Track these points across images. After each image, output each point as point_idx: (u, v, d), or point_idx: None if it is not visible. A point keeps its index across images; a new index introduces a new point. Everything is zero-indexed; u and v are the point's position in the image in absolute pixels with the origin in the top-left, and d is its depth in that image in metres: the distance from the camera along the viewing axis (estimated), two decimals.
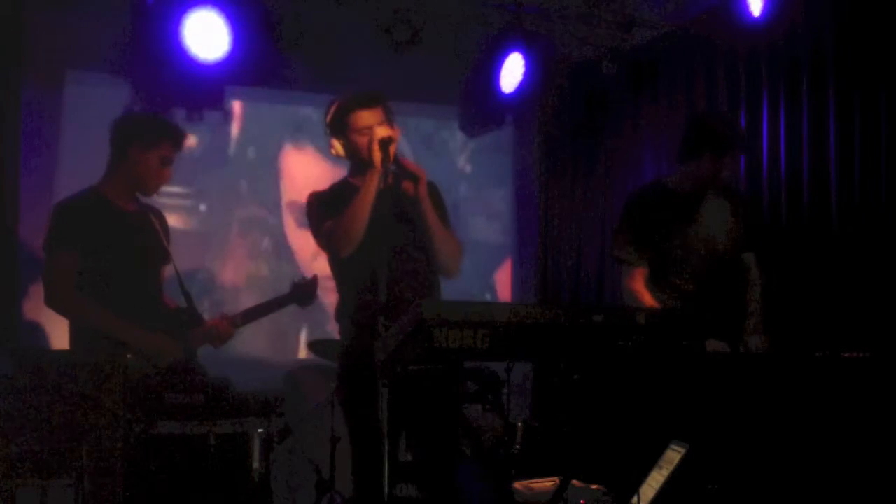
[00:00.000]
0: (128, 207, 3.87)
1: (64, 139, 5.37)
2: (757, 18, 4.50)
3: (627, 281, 3.99)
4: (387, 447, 2.77)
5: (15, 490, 3.40)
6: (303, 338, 4.97)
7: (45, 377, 3.51)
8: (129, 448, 3.33)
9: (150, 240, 3.89)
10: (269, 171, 5.86)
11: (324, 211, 3.42)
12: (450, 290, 3.51)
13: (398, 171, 3.36)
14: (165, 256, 3.95)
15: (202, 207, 5.67)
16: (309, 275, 4.27)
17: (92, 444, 3.36)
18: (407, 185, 3.35)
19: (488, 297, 6.29)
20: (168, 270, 3.98)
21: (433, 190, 3.47)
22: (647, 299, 3.88)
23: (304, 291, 4.23)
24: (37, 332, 5.01)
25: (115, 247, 3.75)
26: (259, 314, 4.07)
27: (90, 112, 5.20)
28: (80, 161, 5.11)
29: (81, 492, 3.35)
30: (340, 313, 3.49)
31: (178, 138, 3.92)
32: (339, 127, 3.44)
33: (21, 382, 3.50)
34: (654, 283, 3.94)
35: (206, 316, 3.96)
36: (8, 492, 3.39)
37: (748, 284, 4.02)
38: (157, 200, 4.05)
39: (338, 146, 3.46)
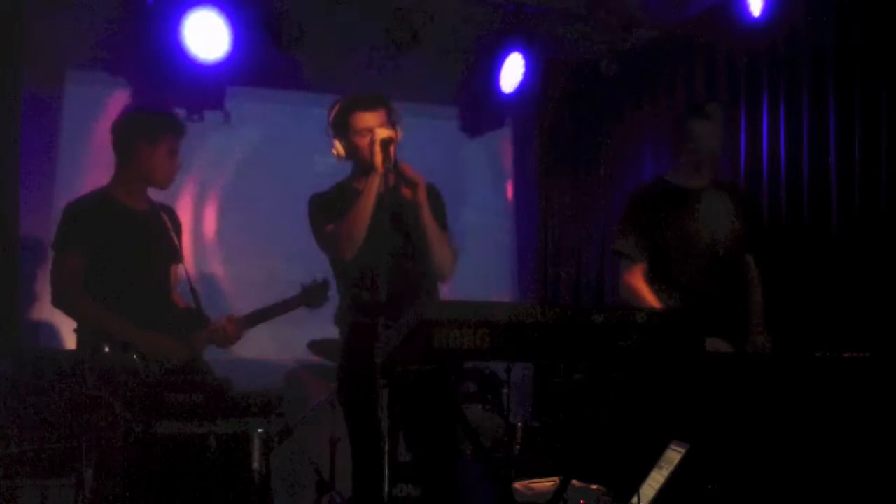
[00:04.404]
0: (138, 207, 3.87)
1: (64, 139, 5.37)
2: (757, 18, 4.50)
3: (626, 276, 4.00)
4: (387, 447, 2.77)
5: (15, 490, 3.41)
6: (303, 338, 4.96)
7: (45, 377, 3.51)
8: (129, 448, 3.33)
9: (160, 239, 3.89)
10: (270, 172, 5.85)
11: (325, 213, 3.41)
12: (450, 290, 3.51)
13: (397, 176, 3.35)
14: (176, 255, 3.94)
15: (201, 209, 5.67)
16: (311, 276, 4.26)
17: (92, 444, 3.37)
18: (406, 191, 3.35)
19: (488, 297, 6.29)
20: (179, 270, 3.98)
21: (433, 193, 3.46)
22: (646, 295, 3.88)
23: (314, 293, 4.22)
24: (38, 333, 5.01)
25: (124, 246, 3.75)
26: (268, 316, 4.06)
27: (90, 112, 5.20)
28: (81, 161, 5.12)
29: (81, 492, 3.35)
30: (341, 315, 3.48)
31: (179, 129, 3.94)
32: (341, 128, 3.44)
33: (21, 382, 3.51)
34: (655, 280, 3.94)
35: (213, 316, 3.95)
36: (8, 492, 3.39)
37: (750, 283, 4.02)
38: (162, 199, 4.05)
39: (339, 147, 3.46)
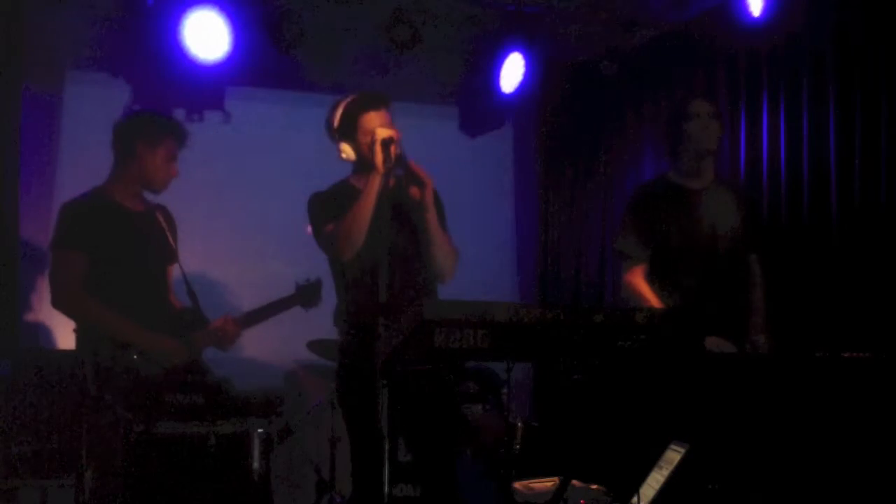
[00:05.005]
0: (134, 207, 3.88)
1: (64, 139, 5.36)
2: (757, 19, 4.50)
3: (627, 276, 4.00)
4: (387, 447, 2.77)
5: (15, 490, 3.41)
6: (303, 338, 4.96)
7: (45, 377, 3.52)
8: (129, 448, 3.33)
9: (156, 240, 3.89)
10: (270, 172, 5.85)
11: (325, 213, 3.41)
12: (449, 290, 3.51)
13: (405, 175, 3.35)
14: (172, 256, 3.95)
15: (202, 209, 5.66)
16: (311, 275, 4.27)
17: (92, 444, 3.37)
18: (414, 191, 3.35)
19: (488, 297, 6.27)
20: (175, 270, 3.98)
21: (434, 194, 3.46)
22: (647, 294, 3.88)
23: (308, 293, 4.24)
24: (38, 333, 5.01)
25: (121, 247, 3.75)
26: (263, 316, 4.07)
27: (90, 112, 5.19)
28: (81, 161, 5.11)
29: (81, 492, 3.35)
30: (339, 315, 3.48)
31: (181, 135, 3.95)
32: (349, 130, 3.42)
33: (21, 382, 3.51)
34: (656, 279, 3.94)
35: (210, 317, 3.96)
36: (8, 492, 3.39)
37: (751, 283, 4.02)
38: (161, 200, 4.05)
39: (348, 150, 3.43)
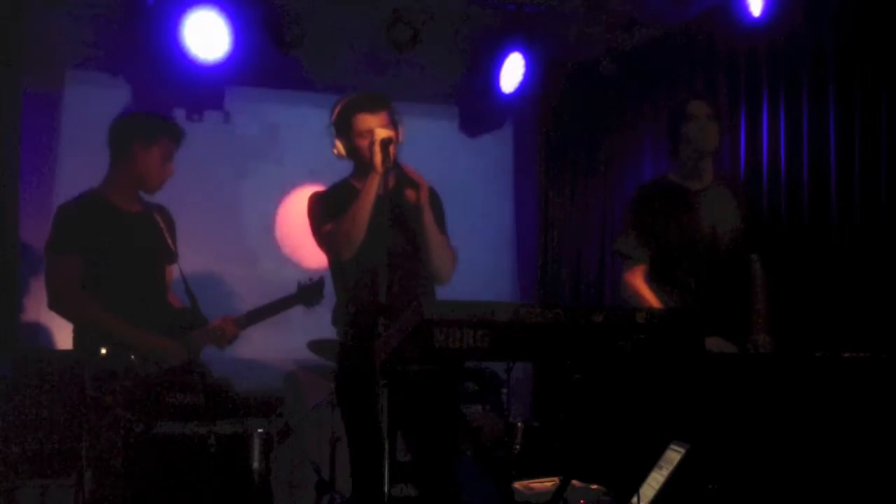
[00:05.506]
0: (131, 208, 3.88)
1: (64, 139, 5.36)
2: (757, 18, 4.51)
3: (627, 276, 4.00)
4: (386, 447, 2.77)
5: (15, 490, 3.41)
6: (303, 338, 4.96)
7: (45, 377, 3.52)
8: (129, 448, 3.33)
9: (153, 240, 3.89)
10: (270, 172, 5.85)
11: (324, 212, 3.42)
12: (449, 290, 3.51)
13: (399, 177, 3.35)
14: (170, 256, 3.95)
15: (202, 208, 5.66)
16: (310, 275, 4.26)
17: (92, 444, 3.37)
18: (409, 193, 3.35)
19: (488, 297, 6.27)
20: (174, 270, 3.98)
21: (433, 195, 3.47)
22: (646, 294, 3.88)
23: (310, 292, 4.24)
24: (38, 333, 5.01)
25: (117, 248, 3.75)
26: (265, 315, 4.07)
27: (90, 112, 5.19)
28: (80, 161, 5.10)
29: (81, 492, 3.36)
30: (339, 315, 3.48)
31: (176, 134, 3.94)
32: (343, 128, 3.44)
33: (21, 383, 3.51)
34: (657, 279, 3.94)
35: (210, 316, 3.95)
36: (8, 492, 3.39)
37: (752, 282, 4.01)
38: (160, 200, 4.05)
39: (340, 147, 3.46)
